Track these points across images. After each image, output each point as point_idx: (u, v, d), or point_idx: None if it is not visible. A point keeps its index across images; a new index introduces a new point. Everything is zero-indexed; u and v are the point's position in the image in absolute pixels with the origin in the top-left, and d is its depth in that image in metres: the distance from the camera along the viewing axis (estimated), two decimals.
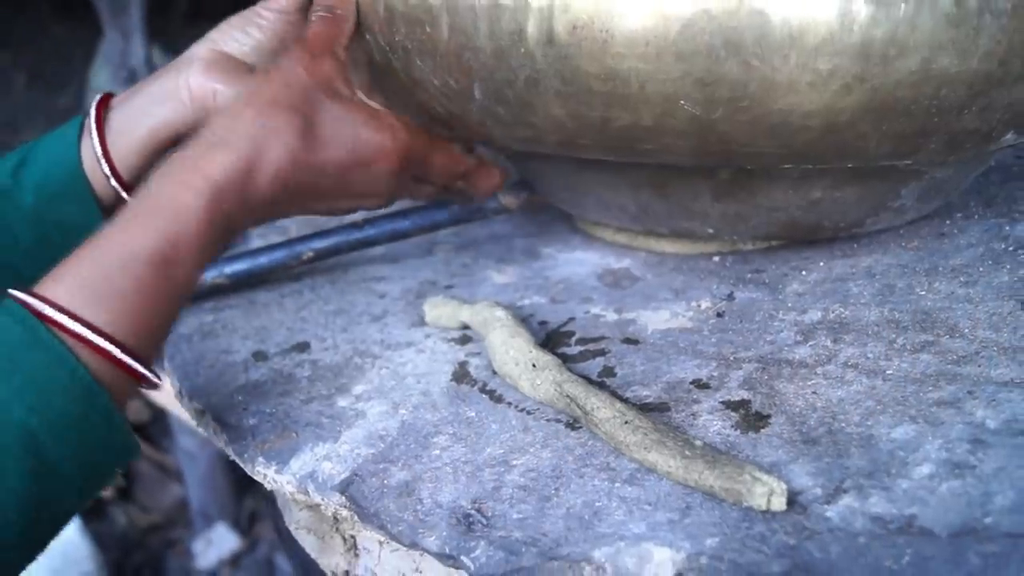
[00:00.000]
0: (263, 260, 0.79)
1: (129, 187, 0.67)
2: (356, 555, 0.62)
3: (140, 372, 0.50)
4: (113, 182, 0.66)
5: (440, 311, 0.69)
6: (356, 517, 0.54)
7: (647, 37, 0.51)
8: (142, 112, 0.66)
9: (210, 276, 0.79)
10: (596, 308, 0.68)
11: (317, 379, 0.65)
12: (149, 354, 0.51)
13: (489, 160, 0.69)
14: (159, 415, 2.69)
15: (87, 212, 0.67)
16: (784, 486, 0.46)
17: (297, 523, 0.66)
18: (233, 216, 0.54)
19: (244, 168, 0.54)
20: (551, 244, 0.80)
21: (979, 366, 0.54)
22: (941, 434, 0.49)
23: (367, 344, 0.69)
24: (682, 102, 0.52)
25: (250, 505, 2.53)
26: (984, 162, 0.69)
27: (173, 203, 0.52)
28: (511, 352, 0.60)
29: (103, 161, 0.65)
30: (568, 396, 0.56)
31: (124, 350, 0.49)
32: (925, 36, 0.50)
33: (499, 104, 0.57)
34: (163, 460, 2.65)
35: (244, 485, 2.52)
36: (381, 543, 0.58)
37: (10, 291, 0.49)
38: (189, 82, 0.65)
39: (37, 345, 0.47)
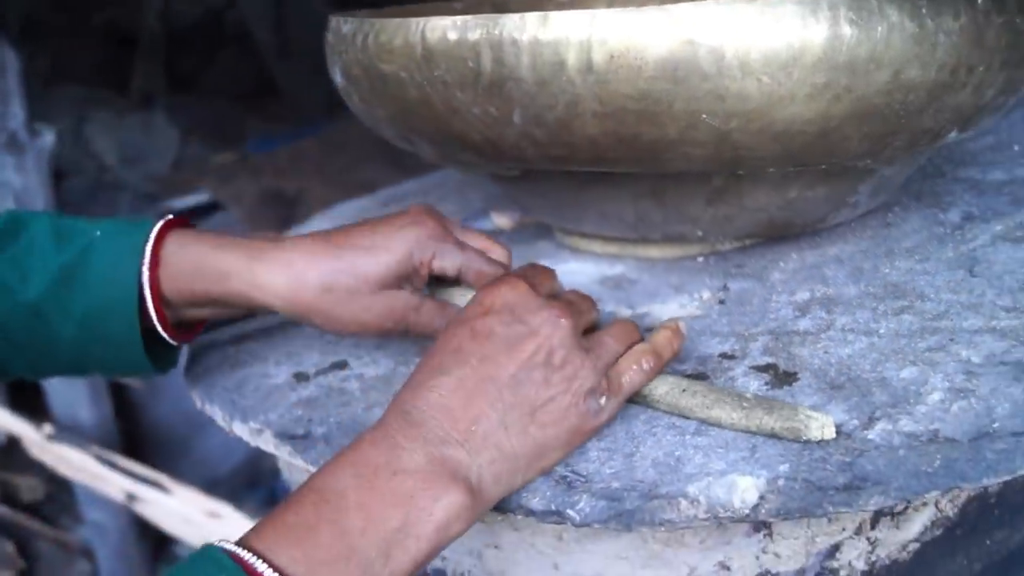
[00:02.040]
0: None
1: (169, 320, 0.70)
2: None
3: None
4: (152, 314, 0.69)
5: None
6: None
7: (676, 62, 0.61)
8: (219, 275, 0.69)
9: None
10: (609, 307, 0.77)
11: (370, 389, 0.72)
12: None
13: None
14: (52, 493, 2.64)
15: (130, 333, 0.69)
16: (831, 419, 0.56)
17: None
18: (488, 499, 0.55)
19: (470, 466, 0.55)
20: (543, 259, 0.89)
21: (951, 320, 0.66)
22: (940, 371, 0.60)
23: (407, 355, 0.76)
24: (704, 116, 0.63)
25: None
26: (917, 162, 0.82)
27: (433, 521, 0.52)
28: None
29: (147, 289, 0.68)
30: None
31: None
32: (896, 52, 0.62)
33: (537, 127, 0.66)
34: (64, 538, 2.60)
35: (158, 553, 2.50)
36: None
37: (221, 543, 0.49)
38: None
39: None
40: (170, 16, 3.36)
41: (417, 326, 0.70)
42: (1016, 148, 0.95)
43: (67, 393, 2.33)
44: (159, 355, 0.73)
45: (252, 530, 0.50)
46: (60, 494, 2.63)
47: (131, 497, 2.15)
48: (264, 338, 0.84)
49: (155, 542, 2.49)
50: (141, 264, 0.68)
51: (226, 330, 0.86)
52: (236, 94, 3.32)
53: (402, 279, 0.69)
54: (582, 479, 0.57)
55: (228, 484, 2.49)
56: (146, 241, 0.68)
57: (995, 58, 0.66)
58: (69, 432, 2.29)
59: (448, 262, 0.70)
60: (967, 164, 0.93)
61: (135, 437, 2.52)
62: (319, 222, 1.15)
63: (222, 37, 3.42)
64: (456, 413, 0.55)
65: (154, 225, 0.69)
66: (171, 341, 0.72)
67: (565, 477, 0.58)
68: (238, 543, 0.49)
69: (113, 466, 2.19)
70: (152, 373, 0.73)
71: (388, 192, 1.22)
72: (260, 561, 0.47)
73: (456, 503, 0.52)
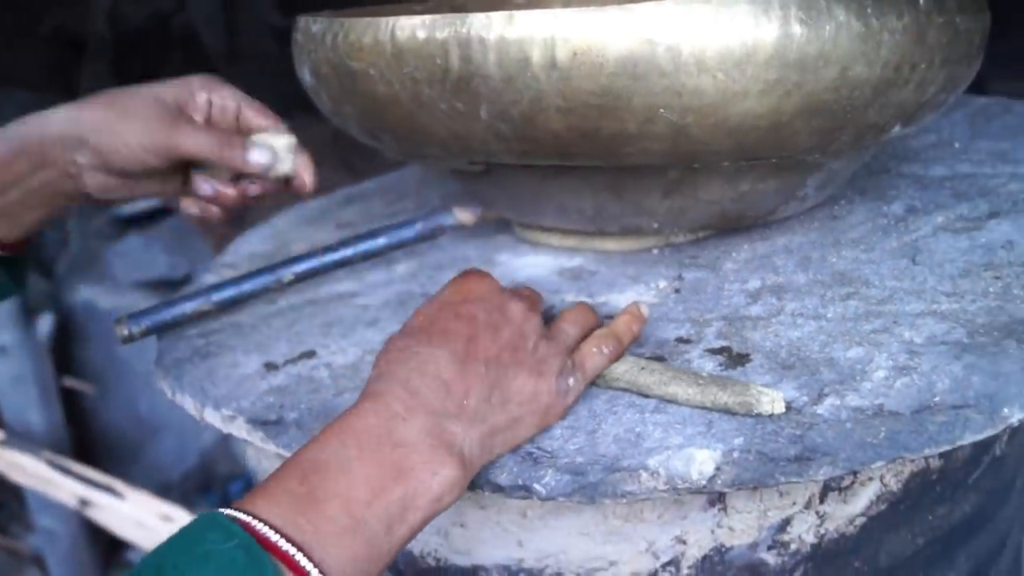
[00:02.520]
0: (247, 286, 0.87)
1: None
2: None
3: None
4: None
5: None
6: None
7: (635, 59, 0.64)
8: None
9: (196, 304, 0.86)
10: (570, 296, 0.80)
11: (339, 376, 0.74)
12: None
13: None
14: (2, 501, 2.62)
15: None
16: (782, 394, 0.60)
17: None
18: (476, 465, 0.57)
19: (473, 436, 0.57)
20: (503, 253, 0.92)
21: (895, 305, 0.70)
22: (884, 351, 0.64)
23: (373, 344, 0.78)
24: (662, 111, 0.66)
25: None
26: (862, 158, 0.86)
27: (427, 493, 0.54)
28: None
29: None
30: None
31: None
32: (843, 50, 0.65)
33: (503, 122, 0.69)
34: (14, 546, 2.59)
35: (110, 558, 2.49)
36: None
37: (260, 526, 0.48)
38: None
39: (261, 574, 0.45)
40: (117, 19, 3.34)
41: (186, 142, 0.75)
42: (957, 145, 0.99)
43: (17, 398, 2.32)
44: None
45: (255, 497, 0.50)
46: (10, 502, 2.61)
47: (84, 502, 2.15)
48: (233, 331, 0.85)
49: (106, 548, 2.48)
50: None
51: (194, 325, 0.87)
52: None
53: (181, 105, 0.77)
54: (547, 455, 0.60)
55: (180, 489, 2.49)
56: None
57: (936, 56, 0.70)
58: (20, 438, 2.27)
59: (227, 98, 0.80)
60: (910, 160, 0.97)
61: (86, 442, 2.51)
62: (280, 221, 1.17)
63: (170, 41, 3.41)
64: (451, 387, 0.57)
65: None
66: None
67: (531, 453, 0.61)
68: (243, 511, 0.48)
69: (66, 471, 2.18)
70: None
71: (346, 191, 1.24)
72: (270, 530, 0.48)
73: (451, 476, 0.54)
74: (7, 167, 0.73)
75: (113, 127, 0.73)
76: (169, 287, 2.42)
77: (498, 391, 0.59)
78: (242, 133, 0.80)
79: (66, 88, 3.25)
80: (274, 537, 0.47)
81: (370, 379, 0.59)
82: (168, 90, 0.77)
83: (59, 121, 0.73)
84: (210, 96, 0.79)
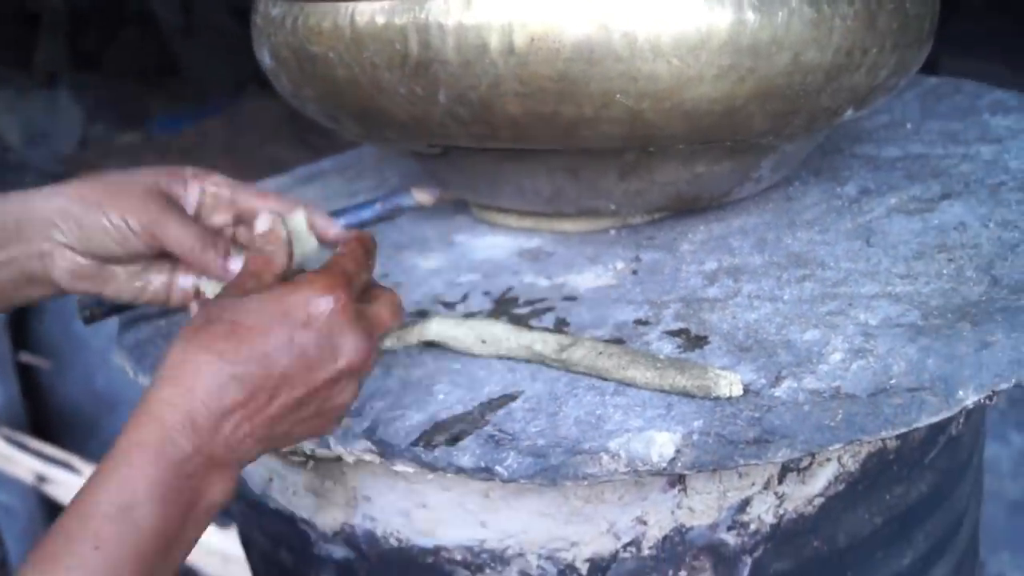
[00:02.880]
0: None
1: None
2: (354, 506, 0.72)
3: None
4: None
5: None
6: (382, 458, 0.64)
7: (592, 45, 0.64)
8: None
9: None
10: (527, 278, 0.81)
11: None
12: None
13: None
14: None
15: None
16: (739, 377, 0.61)
17: (295, 487, 0.75)
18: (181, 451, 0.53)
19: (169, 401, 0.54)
20: (461, 233, 0.92)
21: (850, 287, 0.71)
22: (839, 333, 0.65)
23: None
24: (618, 96, 0.66)
25: None
26: (816, 139, 0.87)
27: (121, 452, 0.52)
28: (478, 328, 0.70)
29: None
30: (539, 353, 0.68)
31: None
32: (796, 36, 0.66)
33: (461, 106, 0.69)
34: None
35: None
36: (392, 486, 0.69)
37: None
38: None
39: None
40: None
41: (172, 233, 0.69)
42: (909, 126, 1.00)
43: None
44: None
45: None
46: None
47: (41, 478, 2.13)
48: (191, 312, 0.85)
49: None
50: None
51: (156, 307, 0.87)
52: (139, 73, 3.27)
53: (174, 196, 0.71)
54: (509, 437, 0.61)
55: None
56: None
57: (887, 41, 0.71)
58: None
59: (221, 186, 0.73)
60: (863, 141, 0.99)
61: (43, 418, 2.49)
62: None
63: (123, 15, 3.37)
64: (249, 415, 0.56)
65: None
66: None
67: (493, 436, 0.61)
68: None
69: (22, 447, 2.16)
70: None
71: (305, 170, 1.24)
72: None
73: (229, 491, 0.55)
74: None
75: (101, 201, 0.68)
76: None
77: (288, 424, 0.58)
78: (244, 220, 0.74)
79: (21, 61, 3.20)
80: None
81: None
82: (162, 178, 0.71)
83: (43, 195, 0.68)
84: (203, 186, 0.72)
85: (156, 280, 0.73)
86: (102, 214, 0.67)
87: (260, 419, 0.56)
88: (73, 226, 0.68)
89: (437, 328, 0.71)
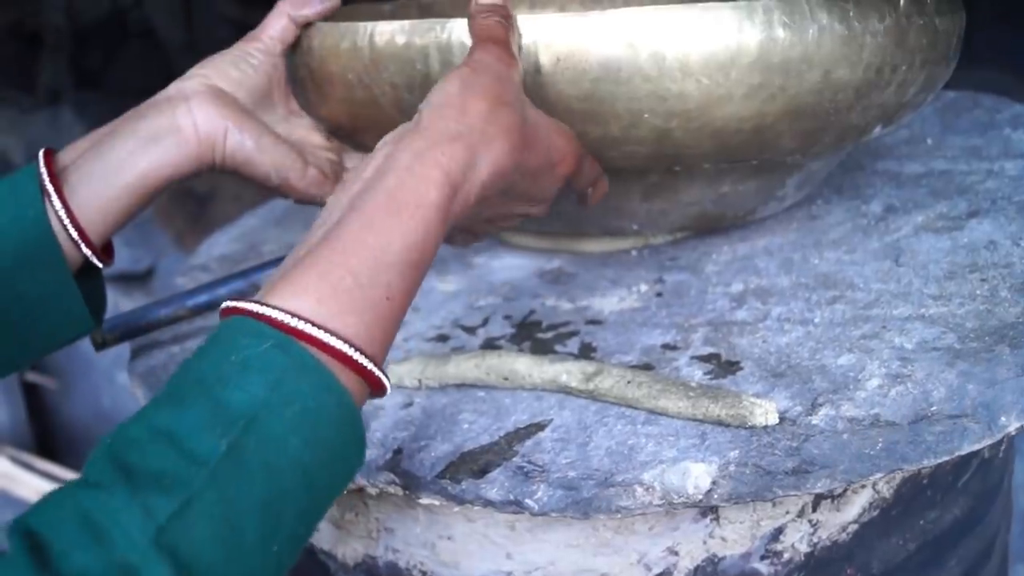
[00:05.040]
0: (223, 291, 0.85)
1: (98, 249, 0.64)
2: (376, 538, 0.70)
3: (384, 385, 0.48)
4: (84, 249, 0.63)
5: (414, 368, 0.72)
6: (407, 491, 0.62)
7: (619, 64, 0.63)
8: (128, 156, 0.64)
9: (171, 309, 0.84)
10: (550, 300, 0.79)
11: None
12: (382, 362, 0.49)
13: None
14: None
15: (58, 282, 0.63)
16: (775, 405, 0.59)
17: None
18: (455, 215, 0.52)
19: (471, 163, 0.52)
20: (480, 255, 0.91)
21: (882, 309, 0.69)
22: (875, 357, 0.63)
23: None
24: (646, 115, 0.65)
25: None
26: (839, 157, 0.85)
27: (419, 200, 0.49)
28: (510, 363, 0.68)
29: (70, 227, 0.62)
30: (564, 384, 0.66)
31: (376, 364, 0.47)
32: (826, 53, 0.65)
33: None
34: None
35: None
36: (416, 518, 0.67)
37: (245, 305, 0.45)
38: (195, 119, 0.65)
39: (304, 371, 0.43)
40: (75, 13, 3.29)
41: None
42: (929, 141, 0.99)
43: None
44: (89, 296, 0.68)
45: (280, 292, 0.46)
46: None
47: None
48: (204, 336, 0.83)
49: None
50: (44, 201, 0.62)
51: (168, 331, 0.86)
52: (142, 90, 3.25)
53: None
54: (539, 469, 0.59)
55: None
56: (37, 177, 0.62)
57: (916, 57, 0.69)
58: None
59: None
60: (884, 157, 0.97)
61: (49, 438, 2.47)
62: (248, 220, 1.15)
63: (126, 34, 3.36)
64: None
65: (34, 166, 0.64)
66: (98, 263, 0.66)
67: (522, 468, 0.60)
68: (266, 305, 0.45)
69: (29, 467, 2.15)
70: (89, 324, 0.67)
71: None
72: (299, 320, 0.44)
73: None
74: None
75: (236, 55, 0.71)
76: (132, 280, 2.38)
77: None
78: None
79: (24, 82, 3.19)
80: (303, 326, 0.44)
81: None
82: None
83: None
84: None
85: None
86: (240, 58, 0.71)
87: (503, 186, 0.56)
88: (213, 69, 0.70)
89: (455, 372, 0.69)
